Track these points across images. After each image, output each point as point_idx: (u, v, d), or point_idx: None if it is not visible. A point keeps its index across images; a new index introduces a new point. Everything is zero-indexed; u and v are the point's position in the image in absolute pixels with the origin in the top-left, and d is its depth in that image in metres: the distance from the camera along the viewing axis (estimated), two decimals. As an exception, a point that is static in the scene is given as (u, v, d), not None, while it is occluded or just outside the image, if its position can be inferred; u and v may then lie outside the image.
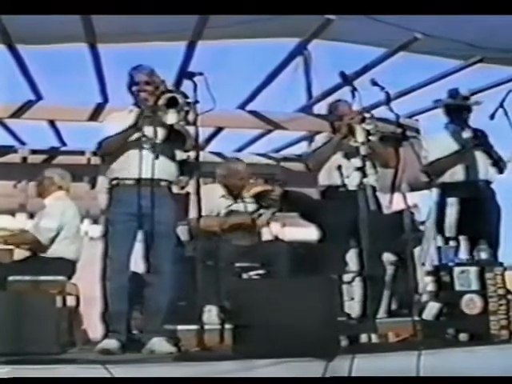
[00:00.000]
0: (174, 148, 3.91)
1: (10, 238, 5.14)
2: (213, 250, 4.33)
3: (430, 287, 4.01)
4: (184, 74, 4.24)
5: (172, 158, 3.93)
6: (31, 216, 6.41)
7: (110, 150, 3.89)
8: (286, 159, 8.46)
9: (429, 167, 4.74)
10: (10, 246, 5.20)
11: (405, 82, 6.87)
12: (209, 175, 5.02)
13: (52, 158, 7.96)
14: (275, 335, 2.95)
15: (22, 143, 8.05)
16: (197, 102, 3.54)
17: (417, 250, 5.01)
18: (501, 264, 3.88)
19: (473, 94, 5.67)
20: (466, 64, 6.38)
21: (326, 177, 4.50)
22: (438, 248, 4.12)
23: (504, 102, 4.47)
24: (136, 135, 3.83)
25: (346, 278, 4.60)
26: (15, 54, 5.92)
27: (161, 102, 3.74)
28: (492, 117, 4.48)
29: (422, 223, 5.36)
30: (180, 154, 3.95)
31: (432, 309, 3.85)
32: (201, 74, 3.53)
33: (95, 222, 6.26)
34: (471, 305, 3.68)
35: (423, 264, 4.90)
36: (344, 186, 4.35)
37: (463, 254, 3.90)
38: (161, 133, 3.84)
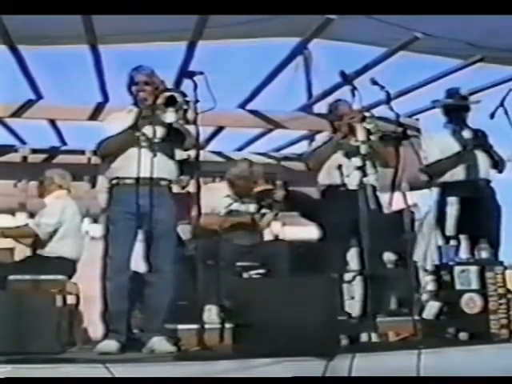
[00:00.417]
0: (173, 147, 3.90)
1: (9, 230, 5.15)
2: (213, 250, 4.32)
3: (431, 286, 4.01)
4: (184, 73, 4.26)
5: (171, 156, 3.91)
6: (31, 215, 6.40)
7: (110, 151, 3.89)
8: (286, 158, 8.47)
9: (429, 168, 4.73)
10: (10, 245, 5.20)
11: (405, 82, 6.88)
12: (209, 174, 5.02)
13: (52, 158, 7.98)
14: (275, 334, 2.96)
15: (23, 142, 8.05)
16: (197, 101, 3.54)
17: (417, 249, 5.01)
18: (501, 263, 3.88)
19: (473, 93, 5.68)
20: (466, 63, 6.37)
21: (327, 176, 4.50)
22: (439, 247, 4.12)
23: (504, 100, 4.46)
24: (135, 135, 3.82)
25: (347, 277, 4.60)
26: (16, 53, 5.92)
27: (159, 100, 3.74)
28: (492, 116, 4.48)
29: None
30: (180, 154, 3.94)
31: (432, 308, 3.85)
32: (201, 73, 3.53)
33: (95, 221, 6.26)
34: (471, 304, 3.68)
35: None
36: (344, 185, 4.34)
37: (463, 253, 3.90)
38: (160, 131, 3.84)
